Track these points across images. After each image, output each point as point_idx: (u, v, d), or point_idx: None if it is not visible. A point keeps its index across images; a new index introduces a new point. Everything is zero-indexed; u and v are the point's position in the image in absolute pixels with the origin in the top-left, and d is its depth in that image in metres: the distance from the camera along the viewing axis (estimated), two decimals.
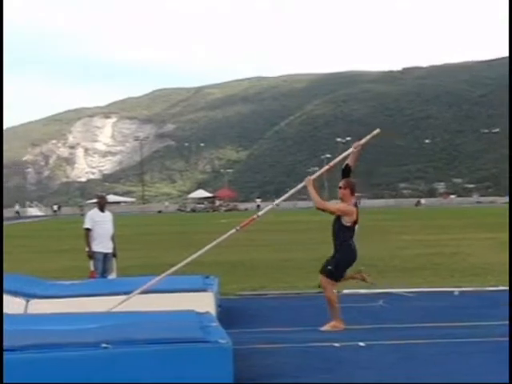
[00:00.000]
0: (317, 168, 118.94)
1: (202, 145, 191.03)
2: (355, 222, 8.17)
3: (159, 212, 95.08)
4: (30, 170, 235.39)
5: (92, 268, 11.37)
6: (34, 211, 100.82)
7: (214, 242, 8.34)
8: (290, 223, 41.02)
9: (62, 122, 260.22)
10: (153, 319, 6.24)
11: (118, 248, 11.92)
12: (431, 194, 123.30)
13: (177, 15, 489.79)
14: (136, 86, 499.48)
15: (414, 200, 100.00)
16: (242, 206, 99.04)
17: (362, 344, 7.20)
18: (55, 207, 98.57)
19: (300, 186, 8.36)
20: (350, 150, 8.38)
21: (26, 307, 7.88)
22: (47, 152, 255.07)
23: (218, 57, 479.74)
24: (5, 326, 5.79)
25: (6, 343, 5.09)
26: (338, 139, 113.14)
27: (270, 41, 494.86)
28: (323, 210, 8.19)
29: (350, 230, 8.15)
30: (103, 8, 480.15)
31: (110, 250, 11.63)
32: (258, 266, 16.34)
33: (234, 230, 8.40)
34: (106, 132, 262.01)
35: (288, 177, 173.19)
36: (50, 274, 14.00)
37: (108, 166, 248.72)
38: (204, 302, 7.91)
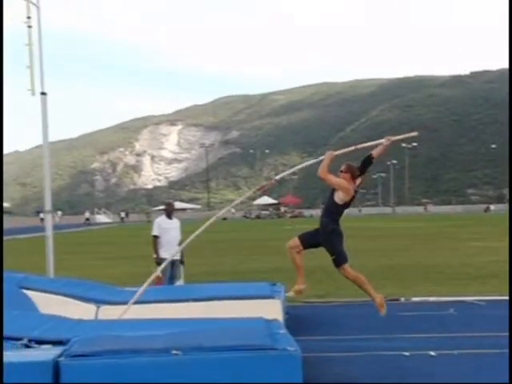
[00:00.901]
0: (383, 174, 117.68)
1: (267, 151, 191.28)
2: (346, 204, 8.05)
3: (224, 219, 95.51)
4: (98, 177, 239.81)
5: (160, 274, 11.46)
6: (102, 218, 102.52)
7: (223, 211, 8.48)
8: (355, 229, 40.66)
9: (129, 130, 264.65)
10: (222, 326, 6.25)
11: (185, 255, 12.00)
12: (500, 199, 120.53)
13: (240, 24, 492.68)
14: (201, 93, 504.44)
15: (483, 206, 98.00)
16: (306, 212, 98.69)
17: (432, 353, 7.06)
18: (122, 214, 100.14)
19: (320, 158, 8.25)
20: (382, 141, 8.27)
21: (97, 313, 8.00)
22: (115, 160, 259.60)
23: (283, 63, 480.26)
24: (76, 332, 5.89)
25: (78, 349, 5.17)
26: (404, 145, 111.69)
27: (336, 46, 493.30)
28: (323, 180, 8.04)
29: (340, 209, 8.04)
30: (168, 18, 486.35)
31: (177, 257, 11.71)
32: (325, 272, 16.21)
33: (252, 192, 8.50)
34: (171, 139, 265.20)
35: None
36: (118, 279, 14.20)
37: (174, 173, 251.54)
38: (271, 309, 7.88)
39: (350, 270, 8.16)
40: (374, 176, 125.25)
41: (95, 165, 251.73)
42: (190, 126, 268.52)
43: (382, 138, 8.33)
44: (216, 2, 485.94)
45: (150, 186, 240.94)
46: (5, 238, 41.87)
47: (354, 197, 8.06)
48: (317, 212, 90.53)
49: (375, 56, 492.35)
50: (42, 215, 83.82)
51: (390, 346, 7.50)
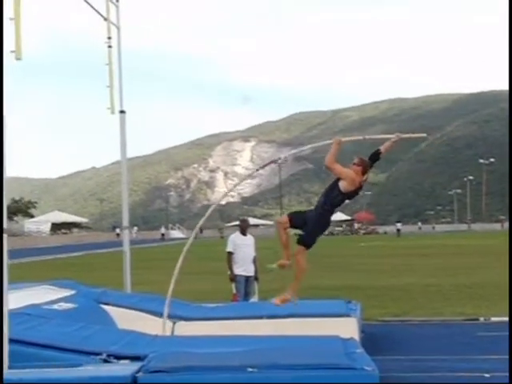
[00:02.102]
0: (459, 190, 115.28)
1: None
2: (348, 194, 7.90)
3: (296, 235, 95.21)
4: (172, 193, 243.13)
5: (234, 291, 11.49)
6: (176, 233, 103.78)
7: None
8: (431, 247, 39.96)
9: (203, 147, 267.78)
10: (298, 344, 6.21)
11: (259, 271, 12.00)
12: None
13: (313, 40, 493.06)
14: (274, 110, 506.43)
15: None
16: (380, 229, 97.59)
17: None
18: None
19: (326, 142, 8.12)
20: (391, 136, 8.23)
21: (173, 329, 8.06)
22: (189, 176, 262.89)
23: (356, 79, 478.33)
24: (153, 348, 5.94)
25: (155, 364, 5.21)
26: (481, 160, 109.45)
27: (409, 61, 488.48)
28: (330, 169, 7.88)
29: (340, 197, 7.88)
30: (242, 34, 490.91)
31: (251, 274, 11.72)
32: (400, 291, 15.96)
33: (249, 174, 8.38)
34: (245, 156, 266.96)
35: (428, 199, 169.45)
36: (193, 295, 14.28)
37: (247, 189, 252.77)
38: (347, 328, 7.78)
39: (303, 257, 8.01)
40: (450, 192, 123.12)
41: (169, 181, 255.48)
42: (263, 143, 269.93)
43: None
44: (288, 19, 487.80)
45: (223, 202, 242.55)
46: (84, 252, 42.91)
47: (357, 190, 7.94)
48: (391, 229, 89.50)
49: (449, 70, 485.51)
50: (118, 230, 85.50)
51: (469, 367, 7.29)
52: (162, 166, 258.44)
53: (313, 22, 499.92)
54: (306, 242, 8.02)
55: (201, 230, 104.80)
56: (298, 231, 8.06)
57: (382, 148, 8.22)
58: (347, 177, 7.76)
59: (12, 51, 5.33)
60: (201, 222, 8.76)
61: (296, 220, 8.08)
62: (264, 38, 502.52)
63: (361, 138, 8.36)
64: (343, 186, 7.79)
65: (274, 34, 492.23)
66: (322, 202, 7.95)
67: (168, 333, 7.85)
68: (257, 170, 8.66)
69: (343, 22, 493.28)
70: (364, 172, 7.91)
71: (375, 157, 8.18)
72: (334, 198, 7.89)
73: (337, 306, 9.30)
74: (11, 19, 5.30)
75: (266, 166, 8.49)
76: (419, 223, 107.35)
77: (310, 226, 7.97)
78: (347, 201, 8.11)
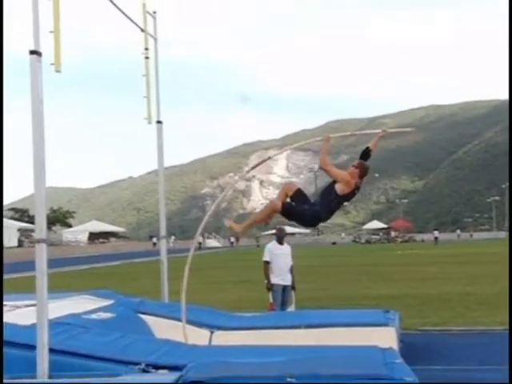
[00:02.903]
0: (497, 197, 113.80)
1: (376, 175, 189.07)
2: (345, 197, 7.86)
3: (334, 243, 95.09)
4: (208, 202, 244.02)
5: (271, 300, 11.47)
6: (212, 242, 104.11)
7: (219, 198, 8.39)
8: (469, 255, 39.51)
9: (238, 156, 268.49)
10: (336, 354, 6.16)
11: (295, 280, 11.97)
12: None
13: (348, 47, 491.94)
14: (310, 118, 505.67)
15: None
16: (418, 237, 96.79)
17: None
18: (232, 239, 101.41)
19: (316, 139, 8.07)
20: (378, 131, 8.32)
21: (211, 339, 8.06)
22: (224, 185, 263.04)
23: (392, 86, 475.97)
24: (191, 357, 5.94)
25: (194, 375, 5.21)
26: None
27: (445, 68, 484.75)
28: (325, 170, 7.87)
29: (337, 199, 7.83)
30: (278, 43, 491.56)
31: (288, 283, 11.69)
32: (439, 300, 15.80)
33: (239, 175, 8.29)
34: (280, 164, 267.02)
35: (466, 207, 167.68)
36: (229, 304, 14.31)
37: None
38: (386, 337, 7.70)
39: (268, 210, 7.97)
40: (488, 200, 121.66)
41: (205, 190, 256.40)
42: (298, 151, 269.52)
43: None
44: (323, 25, 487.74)
45: (259, 211, 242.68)
46: (121, 261, 43.23)
47: (354, 192, 7.91)
48: (429, 237, 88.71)
49: (487, 76, 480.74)
50: (154, 239, 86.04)
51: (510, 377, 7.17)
52: (198, 175, 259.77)
53: (348, 28, 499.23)
54: (285, 211, 7.93)
55: (237, 239, 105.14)
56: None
57: (371, 145, 8.30)
58: (342, 179, 7.77)
59: (52, 64, 5.40)
60: (199, 231, 8.72)
61: (295, 208, 7.95)
62: (298, 45, 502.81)
63: (348, 133, 8.46)
64: (340, 188, 7.79)
65: (309, 41, 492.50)
66: (318, 202, 7.89)
67: (206, 342, 7.86)
68: (249, 170, 8.60)
69: (379, 27, 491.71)
70: (361, 175, 7.92)
71: (366, 154, 8.24)
72: (331, 201, 7.86)
73: (375, 315, 9.22)
74: (51, 32, 5.37)
75: (257, 165, 8.47)
76: (458, 231, 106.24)
77: (299, 215, 7.92)
78: (345, 203, 8.11)
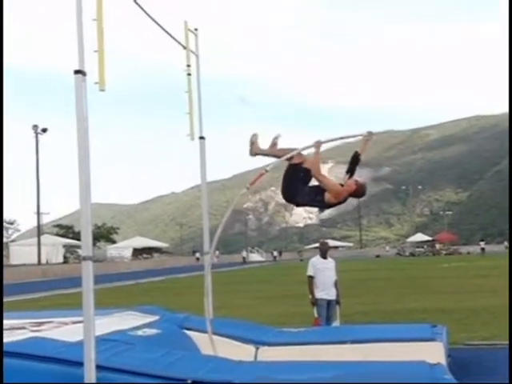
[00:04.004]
0: None
1: (420, 187, 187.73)
2: (326, 205, 7.84)
3: (377, 256, 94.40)
4: (250, 216, 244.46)
5: (316, 315, 11.40)
6: (255, 257, 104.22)
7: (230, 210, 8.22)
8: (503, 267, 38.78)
9: (279, 169, 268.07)
10: (384, 369, 6.08)
11: (340, 294, 11.89)
12: None
13: (390, 58, 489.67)
14: (352, 130, 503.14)
15: None
16: (463, 249, 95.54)
17: None
18: (275, 253, 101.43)
19: (309, 145, 7.91)
20: (363, 133, 8.08)
21: (256, 354, 8.03)
22: (266, 199, 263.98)
23: (435, 97, 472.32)
24: (237, 374, 5.91)
25: None
26: None
27: (488, 77, 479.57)
28: (318, 180, 7.75)
29: (319, 204, 7.90)
30: (319, 57, 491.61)
31: (333, 297, 11.62)
32: (487, 313, 15.52)
33: (245, 190, 8.23)
34: None
35: None
36: (274, 319, 14.27)
37: (325, 211, 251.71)
38: (434, 353, 7.58)
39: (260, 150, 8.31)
40: None
41: (248, 204, 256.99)
42: (340, 164, 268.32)
43: None
44: (363, 38, 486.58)
45: (301, 225, 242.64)
46: (165, 277, 43.48)
47: (337, 204, 7.86)
48: (474, 249, 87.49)
49: None
50: (197, 254, 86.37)
51: None
52: (239, 190, 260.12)
53: (389, 40, 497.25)
54: (291, 171, 8.07)
55: (280, 253, 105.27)
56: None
57: (360, 150, 8.17)
58: (333, 190, 7.68)
59: (96, 83, 5.46)
60: (214, 245, 8.70)
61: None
62: (340, 58, 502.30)
63: (338, 138, 8.44)
64: (328, 197, 7.71)
65: (350, 54, 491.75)
66: (307, 192, 7.86)
67: (251, 358, 7.82)
68: (252, 183, 8.55)
69: (421, 39, 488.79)
70: (354, 194, 7.84)
71: (355, 160, 8.13)
72: (314, 200, 7.83)
73: (422, 329, 9.10)
74: (95, 51, 5.44)
75: (256, 180, 8.42)
76: (505, 242, 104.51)
77: (295, 183, 7.93)
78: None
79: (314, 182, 7.90)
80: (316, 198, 7.77)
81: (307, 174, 7.86)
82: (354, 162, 8.11)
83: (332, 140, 8.49)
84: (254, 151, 8.30)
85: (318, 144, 7.87)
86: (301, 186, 7.87)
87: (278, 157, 8.14)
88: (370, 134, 8.07)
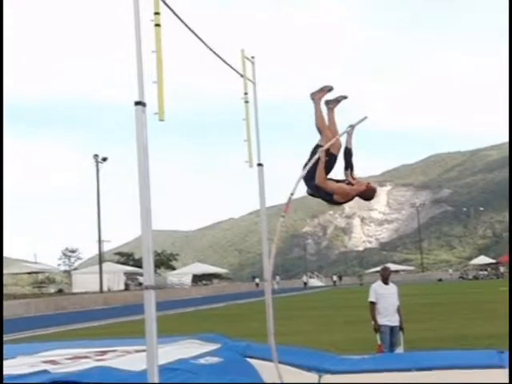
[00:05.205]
0: None
1: (481, 209, 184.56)
2: (337, 203, 7.90)
3: (439, 280, 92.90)
4: (309, 241, 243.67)
5: (379, 342, 11.24)
6: (315, 282, 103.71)
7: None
8: None
9: None
10: None
11: (403, 320, 11.69)
12: None
13: (446, 81, 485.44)
14: (410, 152, 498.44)
15: None
16: None
17: None
18: (335, 277, 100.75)
19: (316, 156, 7.71)
20: (347, 130, 7.96)
21: (319, 383, 7.94)
22: (325, 223, 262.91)
23: (495, 117, 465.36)
24: None
25: None
26: None
27: None
28: (321, 187, 7.72)
29: (330, 200, 7.82)
30: (376, 79, 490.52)
31: (396, 324, 11.44)
32: None
33: (282, 218, 8.07)
34: (381, 200, 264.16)
35: None
36: (337, 346, 14.11)
37: (384, 234, 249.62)
38: (501, 380, 7.38)
39: None
40: None
41: (306, 228, 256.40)
42: (399, 186, 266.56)
43: None
44: (423, 60, 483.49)
45: (360, 248, 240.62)
46: (225, 303, 43.58)
47: (348, 201, 7.93)
48: None
49: None
50: (257, 280, 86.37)
51: None
52: (298, 214, 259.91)
53: (448, 62, 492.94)
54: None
55: (340, 278, 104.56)
56: None
57: (348, 143, 8.05)
58: (339, 192, 7.72)
59: (155, 113, 5.52)
60: (270, 273, 8.61)
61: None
62: (398, 79, 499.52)
63: (334, 139, 8.33)
64: (336, 197, 7.78)
65: (408, 76, 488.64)
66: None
67: None
68: (284, 211, 8.54)
69: (483, 60, 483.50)
70: (362, 196, 7.84)
71: (348, 155, 8.03)
72: (322, 196, 7.86)
73: (489, 356, 8.86)
74: (154, 82, 5.50)
75: (288, 205, 8.34)
76: None
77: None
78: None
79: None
80: (326, 196, 7.83)
81: (331, 158, 7.84)
82: (348, 156, 8.06)
83: (330, 143, 8.36)
84: (319, 96, 8.21)
85: (322, 152, 7.84)
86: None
87: (319, 122, 8.07)
88: (351, 126, 8.03)
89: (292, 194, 8.06)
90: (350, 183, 7.80)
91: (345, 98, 8.31)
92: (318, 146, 7.93)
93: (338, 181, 7.84)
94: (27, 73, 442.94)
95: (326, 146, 7.78)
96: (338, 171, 8.13)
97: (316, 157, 7.66)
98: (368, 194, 7.88)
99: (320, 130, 8.04)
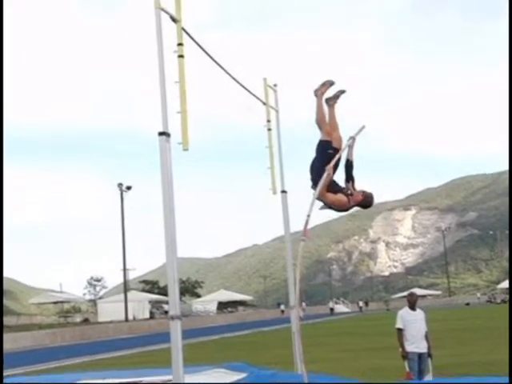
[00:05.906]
0: None
1: (507, 232, 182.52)
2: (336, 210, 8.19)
3: (467, 304, 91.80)
4: (334, 266, 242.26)
5: (407, 369, 11.08)
6: (340, 307, 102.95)
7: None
8: None
9: (362, 218, 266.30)
10: None
11: (431, 346, 11.52)
12: None
13: (469, 103, 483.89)
14: (434, 176, 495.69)
15: None
16: None
17: None
18: (361, 303, 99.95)
19: (324, 175, 7.93)
20: (349, 143, 8.27)
21: None
22: (350, 248, 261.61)
23: None
24: None
25: None
26: None
27: None
28: (321, 200, 8.11)
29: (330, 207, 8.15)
30: (397, 102, 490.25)
31: (424, 350, 11.26)
32: None
33: (302, 242, 8.12)
34: (406, 224, 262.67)
35: None
36: (365, 373, 13.96)
37: (410, 258, 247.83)
38: None
39: None
40: None
41: (331, 254, 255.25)
42: (424, 210, 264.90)
43: None
44: (445, 83, 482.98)
45: (386, 273, 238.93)
46: (250, 330, 43.37)
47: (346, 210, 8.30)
48: None
49: None
50: (282, 307, 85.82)
51: None
52: (322, 240, 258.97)
53: (474, 85, 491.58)
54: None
55: (366, 303, 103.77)
56: None
57: (350, 156, 8.31)
58: (335, 203, 8.09)
59: (179, 143, 5.55)
60: (296, 298, 8.55)
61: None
62: (421, 102, 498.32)
63: (338, 155, 8.40)
64: (335, 208, 8.20)
65: (432, 99, 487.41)
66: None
67: None
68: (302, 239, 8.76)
69: (492, 78, 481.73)
70: (361, 204, 8.20)
71: (349, 167, 8.31)
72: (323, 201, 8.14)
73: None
74: (178, 112, 5.54)
75: (306, 229, 8.49)
76: None
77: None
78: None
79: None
80: (326, 204, 8.21)
81: (335, 154, 8.12)
82: (350, 168, 8.32)
83: (334, 161, 8.40)
84: (321, 91, 8.35)
85: (330, 170, 7.97)
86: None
87: (319, 118, 8.24)
88: (352, 138, 8.33)
89: (308, 216, 8.19)
90: (351, 194, 8.04)
91: (343, 92, 8.53)
92: (320, 142, 8.14)
93: (337, 191, 8.00)
94: (53, 101, 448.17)
95: (332, 163, 8.04)
96: (339, 171, 8.37)
97: (325, 175, 7.87)
98: (367, 202, 8.21)
99: (320, 126, 8.22)
